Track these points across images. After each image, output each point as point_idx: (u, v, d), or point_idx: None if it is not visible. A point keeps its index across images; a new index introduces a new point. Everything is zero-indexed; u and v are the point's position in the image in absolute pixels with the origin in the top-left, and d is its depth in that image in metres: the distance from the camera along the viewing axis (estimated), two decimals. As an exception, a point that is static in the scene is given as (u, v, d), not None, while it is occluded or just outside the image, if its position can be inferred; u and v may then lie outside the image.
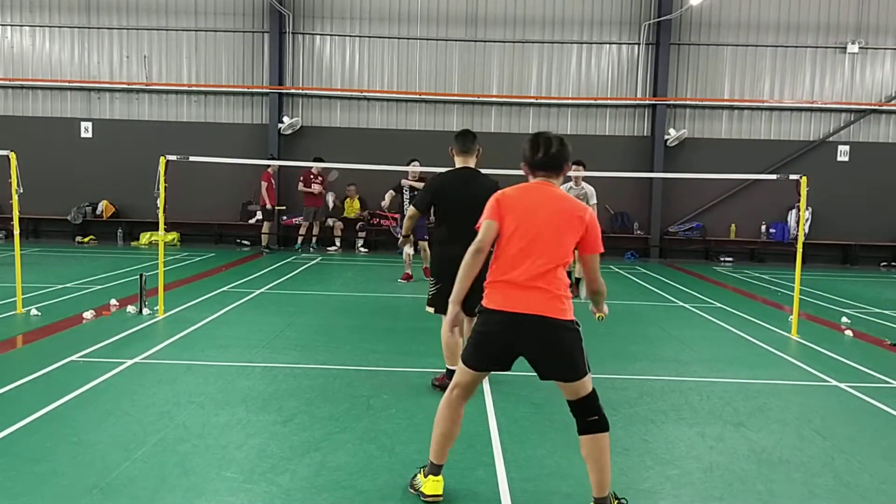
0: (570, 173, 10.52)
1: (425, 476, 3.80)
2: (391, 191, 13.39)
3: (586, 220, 3.59)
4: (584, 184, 10.77)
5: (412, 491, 3.86)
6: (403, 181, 13.40)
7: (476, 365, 3.67)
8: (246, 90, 18.36)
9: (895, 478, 4.32)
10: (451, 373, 5.75)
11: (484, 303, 3.62)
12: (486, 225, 3.64)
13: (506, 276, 3.55)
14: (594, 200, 10.64)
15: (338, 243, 17.47)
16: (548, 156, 3.65)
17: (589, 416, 3.55)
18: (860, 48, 18.01)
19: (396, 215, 14.90)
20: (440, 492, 3.76)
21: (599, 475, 3.55)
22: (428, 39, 18.21)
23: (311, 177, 16.87)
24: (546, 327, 3.49)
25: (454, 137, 6.00)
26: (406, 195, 13.39)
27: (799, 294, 8.68)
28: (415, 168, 12.64)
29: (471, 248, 3.66)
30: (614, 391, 5.89)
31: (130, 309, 8.56)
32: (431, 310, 5.89)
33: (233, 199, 18.29)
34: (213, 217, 18.26)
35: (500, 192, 3.74)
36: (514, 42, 18.22)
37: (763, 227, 18.40)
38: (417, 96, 18.20)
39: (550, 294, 3.50)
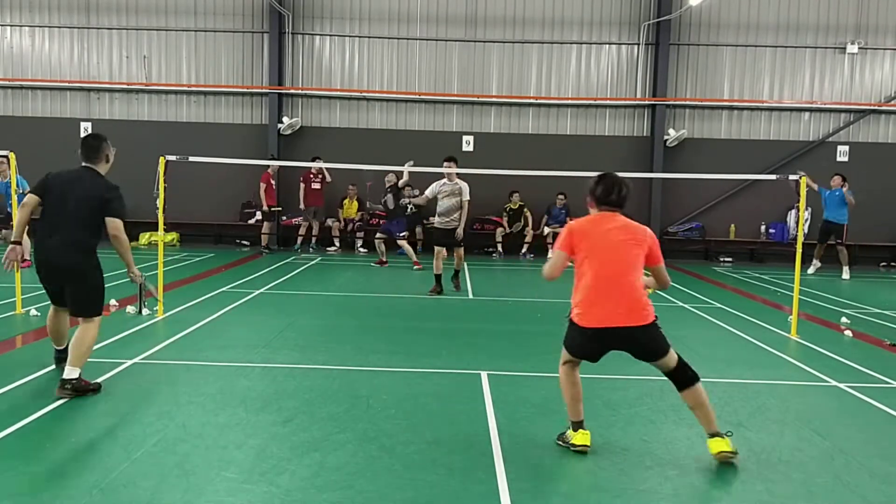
0: (443, 170, 10.77)
1: (574, 431, 4.47)
2: (389, 196, 13.75)
3: (648, 241, 4.47)
4: (457, 180, 10.94)
5: (561, 443, 4.54)
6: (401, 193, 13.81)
7: (575, 357, 4.53)
8: (245, 90, 18.36)
9: (895, 478, 4.32)
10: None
11: (579, 322, 4.38)
12: (556, 255, 4.50)
13: (599, 298, 4.33)
14: (467, 196, 10.83)
15: (337, 243, 17.48)
16: (620, 196, 4.48)
17: (684, 374, 4.41)
18: (860, 48, 18.01)
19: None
20: (588, 442, 4.44)
21: (708, 415, 4.41)
22: (428, 39, 18.20)
23: (311, 176, 16.90)
24: (636, 334, 4.34)
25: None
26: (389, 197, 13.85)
27: (798, 294, 8.67)
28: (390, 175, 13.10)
29: (543, 274, 4.56)
30: (614, 391, 5.89)
31: (130, 309, 8.57)
32: None
33: (232, 200, 18.27)
34: (212, 217, 18.25)
35: (573, 223, 4.54)
36: (513, 42, 18.21)
37: (762, 228, 18.39)
38: (417, 96, 18.20)
39: (635, 306, 4.34)
